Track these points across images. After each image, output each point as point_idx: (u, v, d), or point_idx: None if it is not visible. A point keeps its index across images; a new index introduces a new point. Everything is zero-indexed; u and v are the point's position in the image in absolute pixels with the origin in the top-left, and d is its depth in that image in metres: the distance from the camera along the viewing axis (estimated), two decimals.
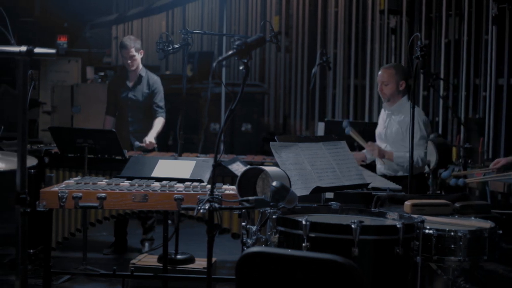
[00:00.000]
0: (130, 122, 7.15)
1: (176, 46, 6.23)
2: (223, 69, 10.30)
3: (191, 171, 5.14)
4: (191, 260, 6.09)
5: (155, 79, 7.18)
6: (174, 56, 13.88)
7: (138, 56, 7.07)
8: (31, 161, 5.47)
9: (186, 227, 8.03)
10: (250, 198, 3.53)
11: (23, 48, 2.80)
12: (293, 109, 11.39)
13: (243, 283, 2.68)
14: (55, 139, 6.30)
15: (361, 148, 6.61)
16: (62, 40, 15.37)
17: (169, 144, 10.08)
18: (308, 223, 3.36)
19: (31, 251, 6.10)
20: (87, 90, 11.58)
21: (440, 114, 8.39)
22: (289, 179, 3.78)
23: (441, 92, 8.30)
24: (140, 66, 7.14)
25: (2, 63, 13.02)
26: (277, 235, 3.50)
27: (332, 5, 10.45)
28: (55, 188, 4.72)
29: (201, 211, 3.45)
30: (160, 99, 7.14)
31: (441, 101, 8.29)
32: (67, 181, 5.02)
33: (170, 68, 14.55)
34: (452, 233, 3.78)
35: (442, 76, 8.22)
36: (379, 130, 6.18)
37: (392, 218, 3.74)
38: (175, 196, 4.63)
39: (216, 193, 3.76)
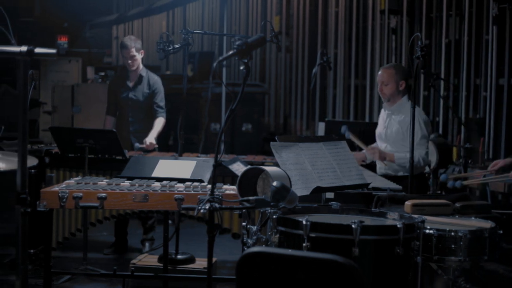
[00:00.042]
0: (130, 122, 7.15)
1: (177, 46, 6.23)
2: (224, 69, 10.30)
3: (191, 171, 5.14)
4: (191, 260, 6.09)
5: (156, 79, 7.18)
6: (175, 56, 13.89)
7: (139, 56, 7.07)
8: (32, 161, 5.47)
9: (186, 227, 8.03)
10: (251, 198, 3.53)
11: (24, 48, 2.80)
12: (293, 109, 11.39)
13: (243, 283, 2.68)
14: (56, 139, 6.30)
15: (361, 148, 6.61)
16: (63, 40, 15.36)
17: (169, 144, 10.08)
18: (308, 223, 3.36)
19: (32, 251, 6.10)
20: (88, 90, 11.57)
21: (441, 114, 8.39)
22: (289, 179, 3.78)
23: (442, 92, 8.30)
24: (141, 66, 7.14)
25: (3, 63, 13.03)
26: (277, 235, 3.50)
27: (333, 5, 10.45)
28: (56, 188, 4.73)
29: (202, 211, 3.45)
30: (160, 99, 7.14)
31: (441, 101, 8.29)
32: (67, 181, 5.02)
33: (171, 68, 14.55)
34: (453, 233, 3.78)
35: (442, 76, 8.22)
36: (379, 130, 6.18)
37: (392, 218, 3.74)
38: (175, 196, 4.63)
39: (217, 193, 3.76)
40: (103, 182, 4.96)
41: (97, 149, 6.15)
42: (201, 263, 6.05)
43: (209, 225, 3.50)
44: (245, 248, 3.62)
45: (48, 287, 4.88)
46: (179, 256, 6.08)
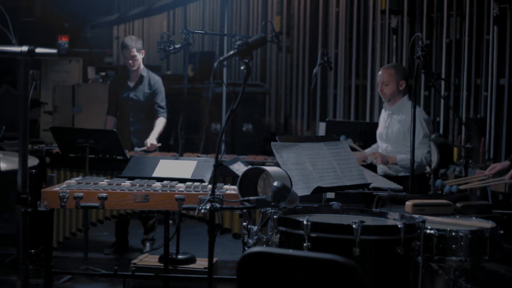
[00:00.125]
0: (131, 122, 7.15)
1: (177, 46, 6.23)
2: (224, 69, 10.31)
3: (192, 171, 5.14)
4: (192, 260, 6.09)
5: (157, 79, 7.18)
6: (175, 56, 13.89)
7: (140, 56, 7.07)
8: (32, 161, 5.47)
9: (187, 227, 8.03)
10: (251, 198, 3.53)
11: (24, 48, 2.80)
12: (294, 109, 11.38)
13: (244, 283, 2.68)
14: (56, 139, 6.30)
15: (362, 148, 6.61)
16: (63, 40, 15.36)
17: (170, 144, 10.08)
18: (309, 223, 3.36)
19: (32, 251, 6.09)
20: (88, 90, 11.58)
21: (441, 114, 8.39)
22: (290, 179, 3.78)
23: (442, 92, 8.30)
24: (142, 66, 7.14)
25: (4, 63, 13.02)
26: (278, 235, 3.50)
27: (333, 5, 10.45)
28: (56, 188, 4.73)
29: (202, 211, 3.45)
30: (161, 99, 7.14)
31: (442, 101, 8.29)
32: (68, 181, 5.02)
33: (171, 68, 14.55)
34: (453, 233, 3.78)
35: (443, 76, 8.22)
36: (380, 130, 6.18)
37: (393, 218, 3.74)
38: (176, 196, 4.63)
39: (217, 193, 3.76)
40: (104, 182, 4.96)
41: (97, 149, 6.15)
42: (201, 263, 6.05)
43: (210, 225, 3.50)
44: (246, 248, 3.62)
45: (49, 287, 4.88)
46: (180, 256, 6.08)
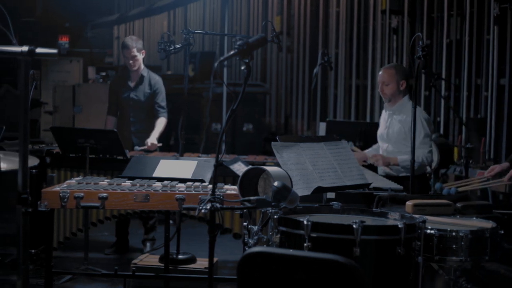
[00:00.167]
0: (132, 122, 7.15)
1: (178, 46, 6.23)
2: (225, 69, 10.31)
3: (192, 171, 5.14)
4: (192, 260, 6.09)
5: (157, 79, 7.19)
6: (176, 56, 13.90)
7: (140, 56, 7.07)
8: (33, 161, 5.48)
9: (187, 227, 8.03)
10: (252, 198, 3.52)
11: (25, 48, 2.80)
12: (294, 109, 11.39)
13: (244, 283, 2.68)
14: (57, 139, 6.30)
15: (363, 148, 6.61)
16: (64, 40, 15.36)
17: (170, 144, 10.08)
18: (309, 223, 3.36)
19: (33, 251, 6.09)
20: (89, 90, 11.58)
21: (442, 114, 8.40)
22: (290, 179, 3.78)
23: (443, 92, 8.30)
24: (142, 66, 7.14)
25: (4, 63, 13.03)
26: (278, 235, 3.50)
27: (334, 5, 10.45)
28: (57, 188, 4.73)
29: (203, 211, 3.45)
30: (162, 99, 7.14)
31: (442, 101, 8.29)
32: (68, 181, 5.02)
33: (172, 68, 14.55)
34: (454, 233, 3.78)
35: (443, 76, 8.22)
36: (380, 131, 6.18)
37: (393, 218, 3.74)
38: (176, 196, 4.63)
39: (218, 193, 3.76)
40: (104, 182, 4.96)
41: (98, 149, 6.15)
42: (202, 263, 6.05)
43: (210, 225, 3.50)
44: (246, 248, 3.62)
45: (49, 287, 4.88)
46: (180, 256, 6.08)
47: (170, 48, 6.22)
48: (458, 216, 4.22)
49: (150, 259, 6.13)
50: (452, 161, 7.29)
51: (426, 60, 5.11)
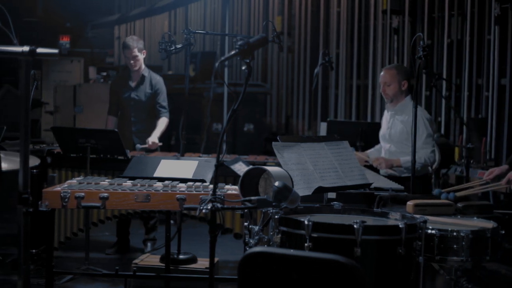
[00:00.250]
0: (133, 122, 7.15)
1: (179, 46, 6.22)
2: (226, 69, 10.31)
3: (193, 171, 5.14)
4: (193, 260, 6.09)
5: (158, 79, 7.19)
6: (177, 56, 13.90)
7: (141, 56, 7.07)
8: (34, 161, 5.48)
9: (188, 227, 8.03)
10: (253, 198, 3.52)
11: (26, 48, 2.80)
12: (295, 109, 11.38)
13: (245, 283, 2.68)
14: (58, 139, 6.31)
15: (363, 148, 6.61)
16: (65, 40, 15.36)
17: (171, 144, 10.09)
18: (310, 223, 3.36)
19: (34, 251, 6.10)
20: (90, 90, 11.58)
21: (443, 114, 8.39)
22: (291, 179, 3.78)
23: (444, 92, 8.30)
24: (143, 66, 7.15)
25: (5, 63, 13.03)
26: (279, 235, 3.50)
27: (335, 5, 10.45)
28: (58, 188, 4.73)
29: (204, 211, 3.45)
30: (163, 99, 7.14)
31: (443, 101, 8.29)
32: (69, 181, 5.02)
33: (173, 68, 14.56)
34: (455, 233, 3.78)
35: (444, 76, 8.22)
36: (382, 131, 6.17)
37: (394, 218, 3.74)
38: (177, 196, 4.63)
39: (219, 193, 3.76)
40: (105, 182, 4.97)
41: (99, 149, 6.16)
42: (203, 263, 6.05)
43: (211, 225, 3.50)
44: (247, 248, 3.62)
45: (50, 287, 4.88)
46: (181, 256, 6.08)
47: (171, 48, 6.21)
48: (459, 216, 4.22)
49: (151, 259, 6.13)
50: (453, 161, 7.29)
51: (427, 60, 5.10)
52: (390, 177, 5.72)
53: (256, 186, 3.81)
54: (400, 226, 3.41)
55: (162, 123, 7.05)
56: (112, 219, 5.51)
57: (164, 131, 7.07)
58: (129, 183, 4.91)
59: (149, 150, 6.83)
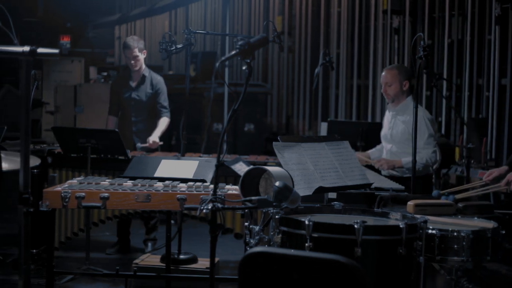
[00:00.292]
0: (133, 122, 7.15)
1: (179, 46, 6.22)
2: (226, 69, 10.31)
3: (194, 171, 5.14)
4: (194, 260, 6.09)
5: (159, 79, 7.19)
6: (177, 56, 13.90)
7: (142, 56, 7.07)
8: (34, 161, 5.48)
9: (189, 227, 8.03)
10: (253, 198, 3.52)
11: (26, 48, 2.80)
12: (296, 109, 11.38)
13: (246, 283, 2.68)
14: (58, 139, 6.31)
15: (364, 148, 6.61)
16: (65, 40, 15.37)
17: (172, 144, 10.09)
18: (311, 223, 3.36)
19: (34, 251, 6.10)
20: (90, 90, 11.58)
21: (443, 114, 8.39)
22: (292, 179, 3.78)
23: (444, 92, 8.30)
24: (144, 66, 7.15)
25: (5, 63, 13.04)
26: (280, 235, 3.50)
27: (335, 5, 10.45)
28: (58, 188, 4.73)
29: (204, 211, 3.45)
30: (164, 99, 7.14)
31: (444, 101, 8.29)
32: (70, 181, 5.02)
33: (173, 68, 14.56)
34: (455, 233, 3.78)
35: (445, 76, 8.22)
36: (384, 131, 6.17)
37: (395, 218, 3.74)
38: (178, 196, 4.63)
39: (219, 193, 3.76)
40: (106, 182, 4.97)
41: (99, 149, 6.16)
42: (203, 263, 6.05)
43: (212, 225, 3.50)
44: (248, 248, 3.62)
45: (51, 287, 4.88)
46: (181, 256, 6.08)
47: (172, 48, 6.21)
48: (459, 216, 4.22)
49: (151, 259, 6.13)
50: (453, 161, 7.29)
51: (428, 60, 5.10)
52: (392, 177, 5.72)
53: (256, 186, 3.81)
54: (401, 226, 3.41)
55: (163, 122, 7.05)
56: (113, 219, 5.51)
57: (165, 130, 7.07)
58: (129, 183, 4.91)
59: (149, 150, 6.83)
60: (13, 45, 2.86)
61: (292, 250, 2.80)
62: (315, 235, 3.36)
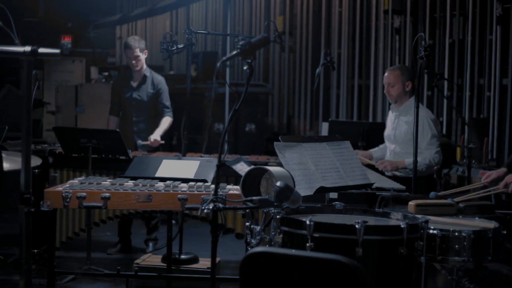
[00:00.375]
0: (134, 122, 7.15)
1: (180, 46, 6.23)
2: (227, 69, 10.30)
3: (195, 171, 5.14)
4: (195, 260, 6.09)
5: (160, 79, 7.19)
6: (178, 56, 13.90)
7: (143, 56, 7.07)
8: (35, 161, 5.48)
9: (190, 227, 8.03)
10: (254, 198, 3.52)
11: (27, 48, 2.80)
12: (297, 109, 11.39)
13: (247, 283, 2.68)
14: (59, 139, 6.31)
15: (365, 148, 6.60)
16: (66, 40, 15.39)
17: (173, 144, 10.09)
18: (312, 223, 3.36)
19: (35, 251, 6.10)
20: (91, 90, 11.59)
21: (444, 114, 8.39)
22: (293, 179, 3.78)
23: (445, 92, 8.29)
24: (145, 66, 7.15)
25: (6, 63, 13.05)
26: (281, 235, 3.50)
27: (336, 5, 10.45)
28: (59, 188, 4.73)
29: (205, 211, 3.45)
30: (166, 99, 7.14)
31: (445, 101, 8.29)
32: (71, 181, 5.02)
33: (174, 68, 14.56)
34: (456, 233, 3.77)
35: (446, 76, 8.22)
36: (387, 132, 6.17)
37: (396, 218, 3.74)
38: (179, 196, 4.63)
39: (220, 193, 3.76)
40: (107, 182, 4.97)
41: (100, 149, 6.16)
42: (204, 263, 6.05)
43: (213, 225, 3.50)
44: (249, 248, 3.62)
45: (52, 287, 4.89)
46: (182, 256, 6.08)
47: (173, 48, 6.21)
48: (460, 216, 4.22)
49: (152, 259, 6.13)
50: (454, 161, 7.29)
51: (429, 60, 5.10)
52: (395, 177, 5.71)
53: (257, 186, 3.81)
54: (402, 226, 3.41)
55: (166, 122, 7.05)
56: (114, 219, 5.51)
57: (167, 129, 7.07)
58: (130, 183, 4.91)
59: (150, 147, 6.83)
60: (14, 45, 2.86)
61: (293, 250, 2.80)
62: (316, 235, 3.36)
